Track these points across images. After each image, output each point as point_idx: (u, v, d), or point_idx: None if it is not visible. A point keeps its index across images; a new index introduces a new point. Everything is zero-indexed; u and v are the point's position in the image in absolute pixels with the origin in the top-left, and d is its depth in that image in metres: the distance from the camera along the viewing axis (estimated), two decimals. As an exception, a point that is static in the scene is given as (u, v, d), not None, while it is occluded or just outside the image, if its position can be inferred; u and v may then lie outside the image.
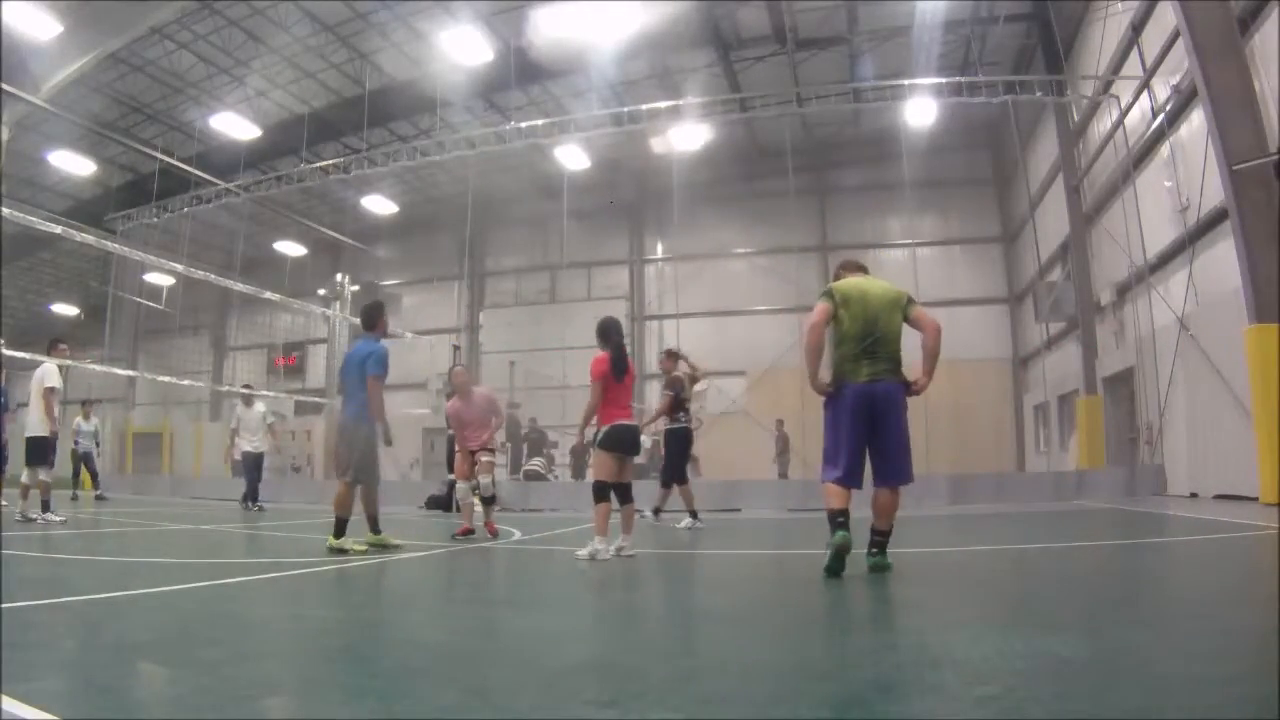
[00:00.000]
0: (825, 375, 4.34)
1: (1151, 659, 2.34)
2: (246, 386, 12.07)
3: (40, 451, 8.07)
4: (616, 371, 5.49)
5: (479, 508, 7.51)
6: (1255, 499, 8.35)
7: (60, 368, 8.83)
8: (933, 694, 1.99)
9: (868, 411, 4.23)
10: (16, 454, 11.43)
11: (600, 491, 5.39)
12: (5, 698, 1.87)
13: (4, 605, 3.15)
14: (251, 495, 11.73)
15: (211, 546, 7.05)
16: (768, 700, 1.97)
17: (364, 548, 5.71)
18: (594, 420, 5.55)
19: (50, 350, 8.97)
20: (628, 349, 5.75)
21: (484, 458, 7.32)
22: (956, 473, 13.75)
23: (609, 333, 5.62)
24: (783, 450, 18.26)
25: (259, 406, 12.14)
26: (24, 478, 8.47)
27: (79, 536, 7.59)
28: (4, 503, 10.44)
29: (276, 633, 3.10)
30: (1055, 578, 4.48)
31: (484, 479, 7.31)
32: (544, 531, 8.27)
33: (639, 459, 17.91)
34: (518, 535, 7.71)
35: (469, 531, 7.13)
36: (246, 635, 2.97)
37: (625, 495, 5.52)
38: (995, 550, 5.95)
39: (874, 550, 4.26)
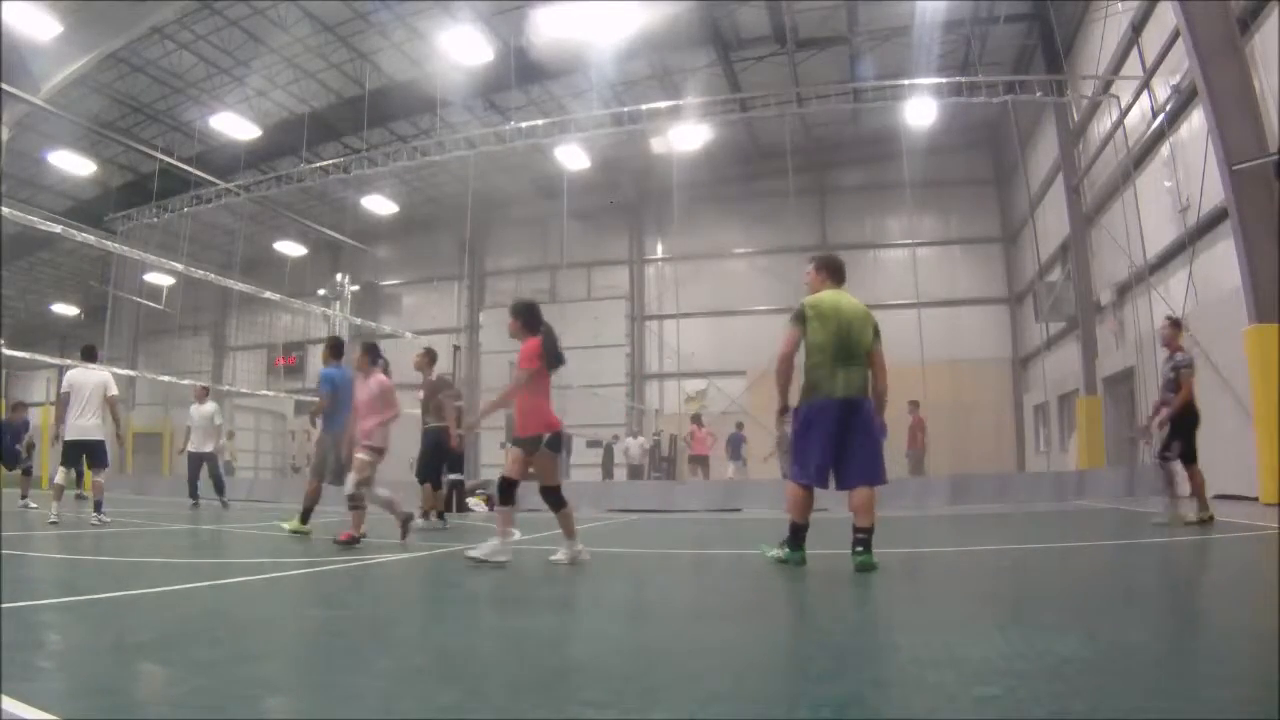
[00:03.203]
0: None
1: (1151, 659, 2.33)
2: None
3: (102, 454, 8.32)
4: (550, 361, 4.82)
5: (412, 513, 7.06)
6: (1255, 499, 8.35)
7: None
8: (933, 694, 1.99)
9: (843, 425, 4.41)
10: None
11: (556, 498, 4.92)
12: (5, 698, 1.87)
13: (4, 605, 3.15)
14: (191, 491, 11.95)
15: (212, 546, 7.05)
16: (767, 700, 1.97)
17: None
18: (513, 415, 4.92)
19: (88, 357, 9.25)
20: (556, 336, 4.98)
21: (360, 454, 6.25)
22: (956, 473, 13.76)
23: (537, 316, 4.92)
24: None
25: (209, 406, 12.12)
26: (58, 478, 8.57)
27: (80, 537, 7.59)
28: (33, 504, 10.54)
29: (276, 633, 3.10)
30: (1055, 578, 4.47)
31: (351, 478, 6.23)
32: (544, 531, 8.27)
33: (634, 460, 17.85)
34: (517, 535, 7.71)
35: (352, 539, 6.06)
36: (247, 635, 2.97)
37: (556, 497, 4.95)
38: (995, 550, 5.95)
39: (859, 549, 4.30)
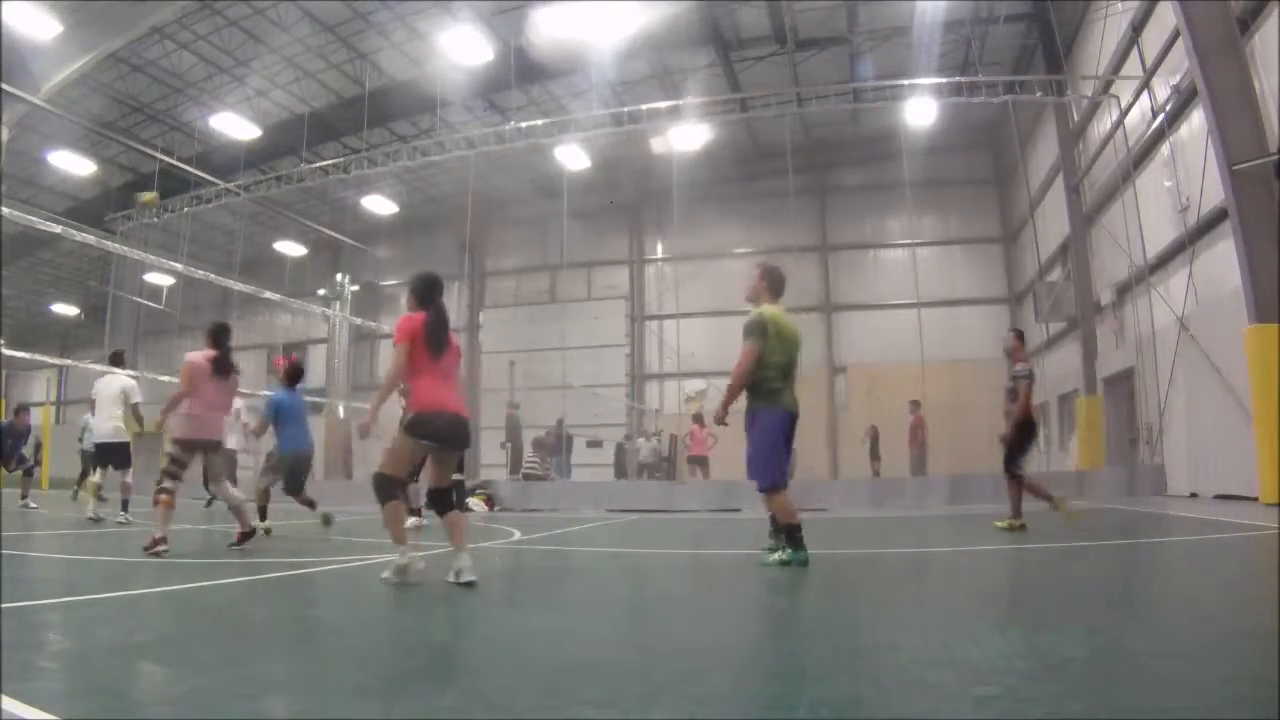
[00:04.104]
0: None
1: (1151, 659, 2.33)
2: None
3: (124, 456, 8.74)
4: (433, 341, 4.12)
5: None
6: (1255, 499, 8.35)
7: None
8: (933, 694, 1.99)
9: (792, 432, 4.94)
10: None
11: (387, 488, 4.09)
12: (5, 698, 1.87)
13: (4, 605, 3.15)
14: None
15: (212, 546, 7.04)
16: (767, 700, 1.97)
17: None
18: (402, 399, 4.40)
19: (115, 362, 10.08)
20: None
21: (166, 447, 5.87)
22: (956, 473, 13.75)
23: (431, 291, 4.31)
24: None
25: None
26: (95, 476, 9.25)
27: (82, 537, 7.59)
28: (33, 504, 10.59)
29: (276, 633, 3.10)
30: (1055, 578, 4.47)
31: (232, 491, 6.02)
32: (543, 532, 8.27)
33: (643, 458, 17.60)
34: (517, 535, 7.72)
35: (245, 537, 5.92)
36: (246, 635, 2.97)
37: (444, 500, 4.18)
38: (995, 550, 5.95)
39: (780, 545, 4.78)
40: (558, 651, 2.64)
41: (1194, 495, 10.45)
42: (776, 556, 4.71)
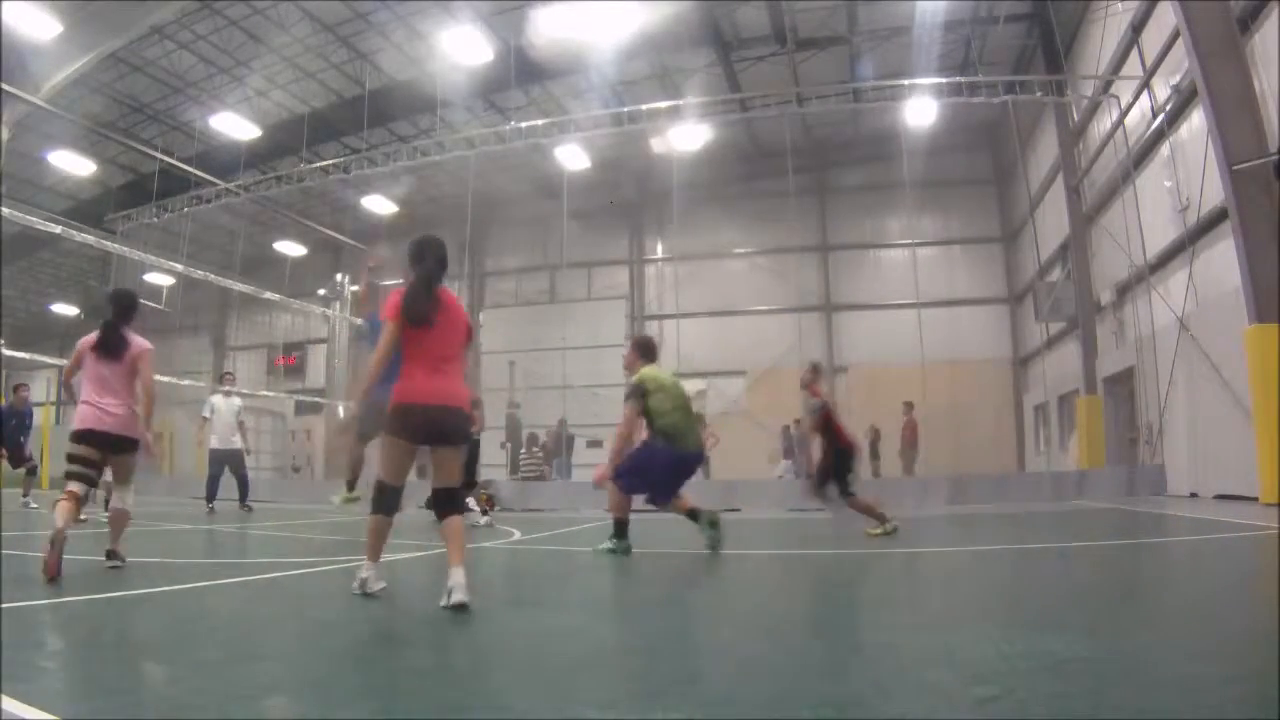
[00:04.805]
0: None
1: (1151, 659, 2.33)
2: (226, 374, 11.78)
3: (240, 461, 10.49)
4: (409, 312, 3.44)
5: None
6: (1255, 499, 8.35)
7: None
8: (933, 694, 1.99)
9: (689, 471, 5.85)
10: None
11: (378, 497, 3.53)
12: (5, 698, 1.87)
13: (4, 605, 3.15)
14: (209, 496, 10.94)
15: (212, 547, 7.05)
16: (767, 700, 1.97)
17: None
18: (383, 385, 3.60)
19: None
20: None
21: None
22: (956, 473, 13.75)
23: (419, 253, 3.59)
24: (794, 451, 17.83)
25: (237, 400, 11.42)
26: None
27: (84, 537, 7.58)
28: (34, 504, 10.57)
29: (276, 633, 3.10)
30: (1055, 578, 4.47)
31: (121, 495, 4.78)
32: (543, 531, 8.28)
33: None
34: (517, 535, 7.72)
35: (111, 555, 4.72)
36: (246, 635, 2.97)
37: (440, 503, 3.56)
38: (995, 550, 5.95)
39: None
40: (559, 651, 2.64)
41: (1194, 495, 10.45)
42: (606, 545, 5.68)
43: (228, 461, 10.92)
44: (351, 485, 6.81)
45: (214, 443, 10.83)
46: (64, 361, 13.69)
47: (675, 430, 5.66)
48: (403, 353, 3.47)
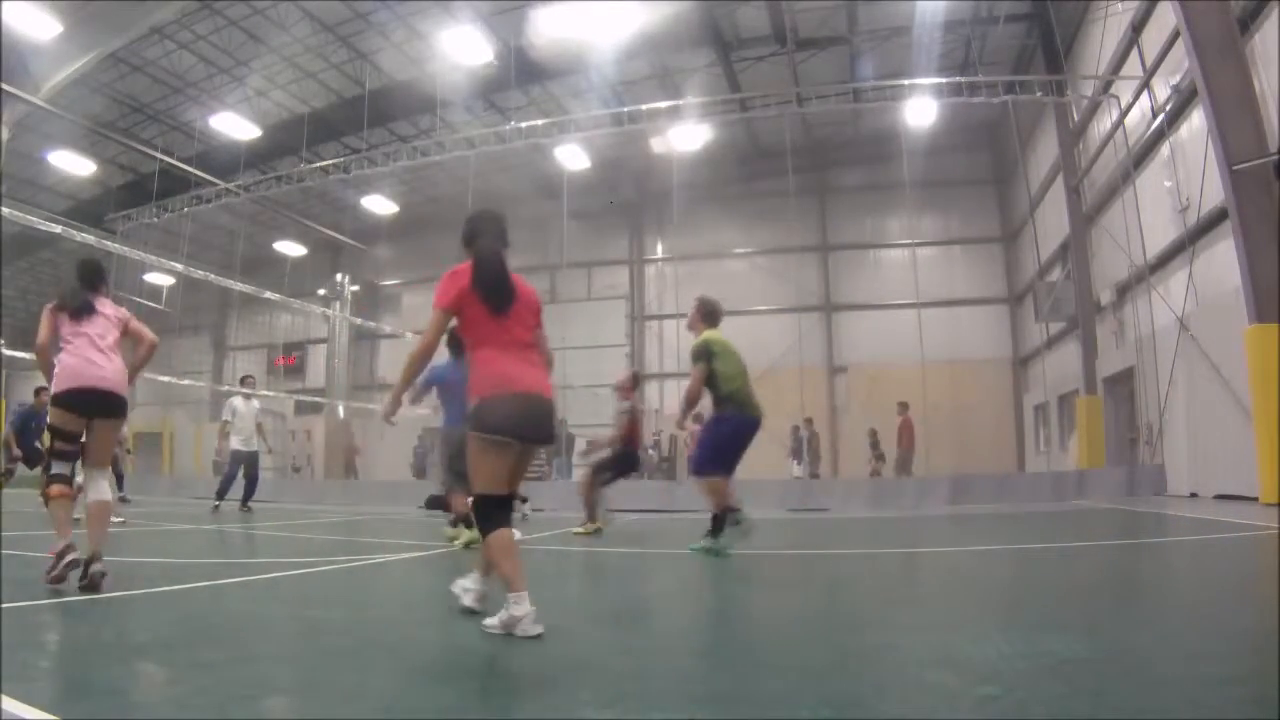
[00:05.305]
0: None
1: (1151, 659, 2.34)
2: (247, 378, 11.89)
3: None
4: (487, 292, 2.99)
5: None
6: (1255, 499, 8.35)
7: None
8: (933, 694, 1.99)
9: (751, 440, 5.56)
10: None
11: (485, 513, 2.94)
12: (5, 698, 1.87)
13: (4, 605, 3.15)
14: (220, 493, 11.18)
15: (212, 547, 7.05)
16: (767, 700, 1.97)
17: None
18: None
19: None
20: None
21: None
22: (956, 473, 13.75)
23: (479, 228, 3.15)
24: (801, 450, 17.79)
25: (256, 403, 11.51)
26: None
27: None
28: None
29: (276, 633, 3.10)
30: (1055, 578, 4.47)
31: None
32: (543, 532, 8.27)
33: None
34: (517, 535, 7.70)
35: (71, 566, 3.72)
36: (246, 635, 2.97)
37: (502, 513, 3.01)
38: (995, 550, 5.95)
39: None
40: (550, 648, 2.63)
41: (1194, 495, 10.45)
42: (704, 544, 5.40)
43: (245, 462, 11.02)
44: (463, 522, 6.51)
45: (237, 444, 10.87)
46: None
47: (744, 396, 5.47)
48: (473, 343, 3.02)
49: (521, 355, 3.02)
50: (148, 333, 4.25)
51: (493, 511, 2.93)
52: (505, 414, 2.89)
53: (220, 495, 11.17)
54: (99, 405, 3.86)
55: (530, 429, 2.94)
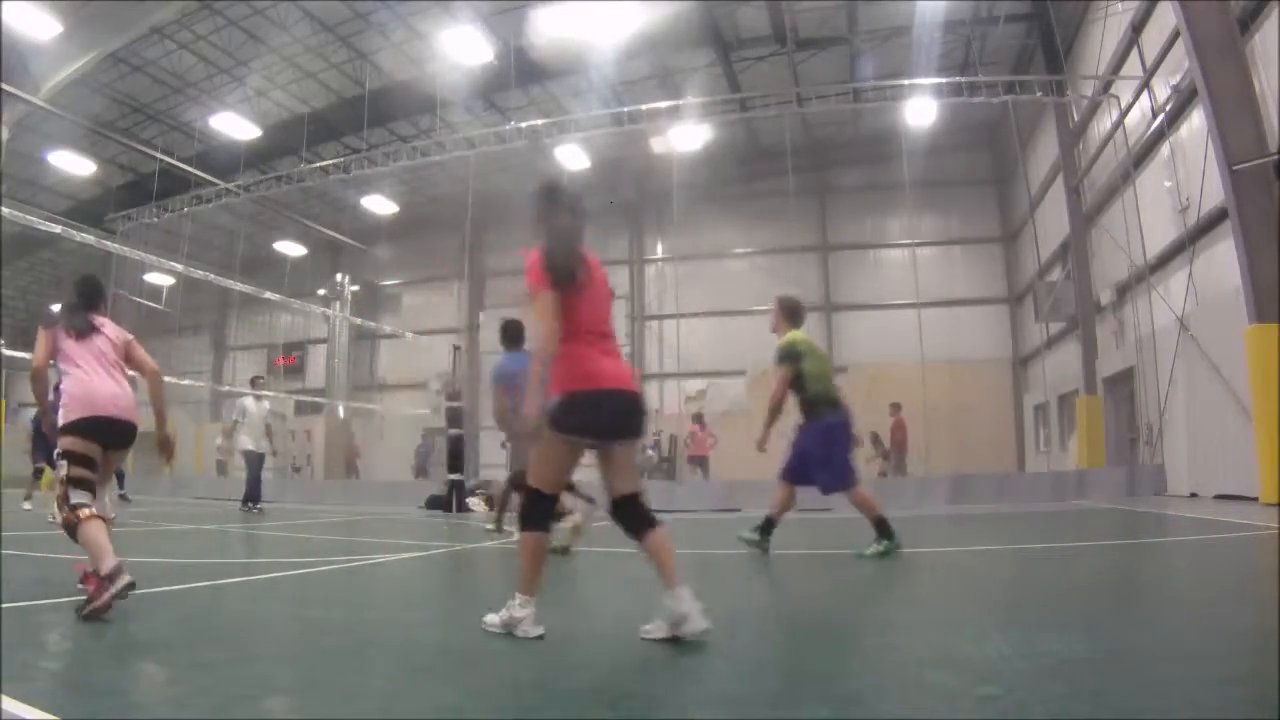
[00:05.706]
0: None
1: (1151, 659, 2.33)
2: (258, 379, 11.95)
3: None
4: (560, 272, 2.84)
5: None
6: (1255, 499, 8.35)
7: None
8: (933, 694, 1.99)
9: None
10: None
11: (536, 509, 2.87)
12: (5, 698, 1.87)
13: (4, 605, 3.15)
14: (252, 497, 11.15)
15: (213, 547, 7.05)
16: (768, 700, 1.97)
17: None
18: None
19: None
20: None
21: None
22: (956, 473, 13.74)
23: (558, 201, 3.00)
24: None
25: (265, 404, 11.58)
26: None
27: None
28: (27, 506, 10.51)
29: (276, 633, 3.10)
30: (1055, 578, 4.47)
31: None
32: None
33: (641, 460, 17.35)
34: (517, 535, 7.71)
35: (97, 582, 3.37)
36: (246, 635, 2.97)
37: (635, 515, 2.90)
38: (995, 550, 5.95)
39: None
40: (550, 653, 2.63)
41: (1194, 495, 10.45)
42: (876, 548, 5.04)
43: (255, 462, 11.10)
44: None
45: (248, 444, 10.90)
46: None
47: (836, 395, 5.30)
48: (567, 328, 2.82)
49: (599, 344, 2.86)
50: (149, 361, 4.06)
51: (545, 509, 2.87)
52: (592, 411, 2.75)
53: (254, 499, 11.06)
54: (119, 435, 3.75)
55: (616, 427, 2.80)
